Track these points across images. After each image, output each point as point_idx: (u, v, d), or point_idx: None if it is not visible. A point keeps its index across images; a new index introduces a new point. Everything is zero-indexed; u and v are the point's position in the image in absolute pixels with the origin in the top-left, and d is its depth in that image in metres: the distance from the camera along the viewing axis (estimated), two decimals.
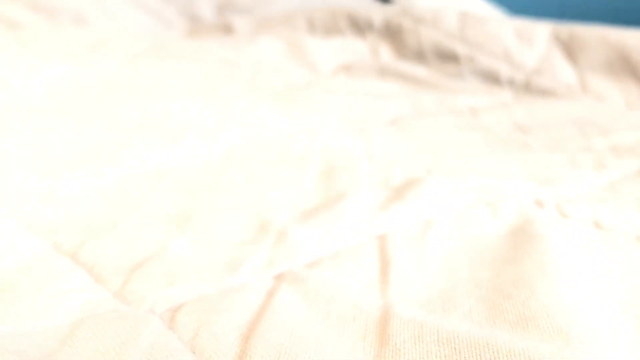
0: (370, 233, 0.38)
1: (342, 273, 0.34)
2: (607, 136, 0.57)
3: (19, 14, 0.98)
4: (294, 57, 0.83)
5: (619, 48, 0.72)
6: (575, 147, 0.55)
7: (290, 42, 0.85)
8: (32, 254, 0.36)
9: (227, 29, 0.94)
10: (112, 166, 0.49)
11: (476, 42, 0.78)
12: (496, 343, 0.28)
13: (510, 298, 0.31)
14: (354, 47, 0.85)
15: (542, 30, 0.77)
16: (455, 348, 0.28)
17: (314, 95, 0.71)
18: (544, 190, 0.45)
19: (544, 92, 0.71)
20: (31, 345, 0.28)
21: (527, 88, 0.73)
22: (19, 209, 0.42)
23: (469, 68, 0.77)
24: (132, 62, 0.81)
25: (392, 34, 0.84)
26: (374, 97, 0.71)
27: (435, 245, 0.37)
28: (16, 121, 0.60)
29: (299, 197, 0.44)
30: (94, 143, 0.54)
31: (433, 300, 0.32)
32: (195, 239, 0.38)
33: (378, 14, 0.87)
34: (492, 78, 0.75)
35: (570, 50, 0.74)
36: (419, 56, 0.81)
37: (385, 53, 0.83)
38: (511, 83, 0.74)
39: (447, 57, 0.79)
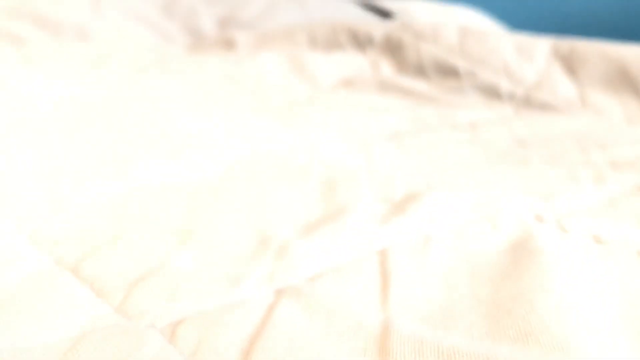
0: (370, 247, 0.38)
1: (342, 287, 0.34)
2: (606, 151, 0.58)
3: (23, 30, 0.99)
4: (295, 72, 0.84)
5: (618, 63, 0.72)
6: (574, 161, 0.56)
7: (292, 56, 0.86)
8: (34, 269, 0.36)
9: (228, 44, 0.95)
10: (116, 180, 0.50)
11: (476, 57, 0.79)
12: (496, 358, 0.28)
13: (510, 313, 0.31)
14: (355, 62, 0.85)
15: (542, 45, 0.78)
16: None
17: (314, 110, 0.72)
18: (544, 204, 0.45)
19: (544, 107, 0.72)
20: (31, 359, 0.28)
21: (527, 103, 0.73)
22: (23, 222, 0.42)
23: (469, 83, 0.77)
24: (135, 77, 0.81)
25: (393, 48, 0.85)
26: (374, 112, 0.72)
27: (435, 260, 0.37)
28: (21, 136, 0.60)
29: (300, 211, 0.44)
30: (98, 157, 0.55)
31: (433, 315, 0.32)
32: (197, 253, 0.38)
33: (378, 29, 0.87)
34: (492, 93, 0.76)
35: (570, 65, 0.75)
36: (419, 71, 0.81)
37: (386, 68, 0.84)
38: (511, 97, 0.74)
39: (447, 72, 0.79)
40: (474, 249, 0.38)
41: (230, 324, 0.31)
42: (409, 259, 0.37)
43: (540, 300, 0.31)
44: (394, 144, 0.60)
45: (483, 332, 0.30)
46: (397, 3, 1.18)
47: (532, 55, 0.77)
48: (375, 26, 0.89)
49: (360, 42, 0.87)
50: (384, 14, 1.14)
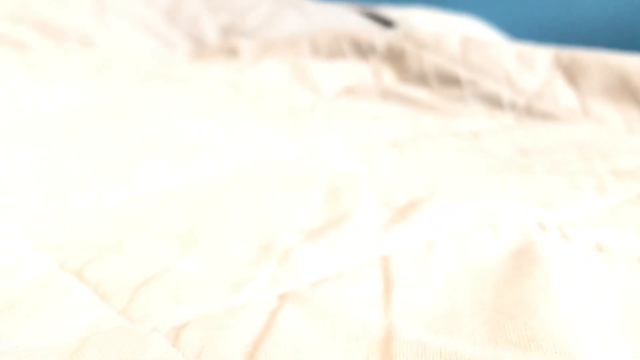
0: (373, 253, 0.38)
1: (345, 293, 0.34)
2: (608, 160, 0.58)
3: (27, 36, 0.99)
4: (297, 80, 0.84)
5: (619, 73, 0.72)
6: (576, 170, 0.56)
7: (294, 65, 0.86)
8: (38, 272, 0.37)
9: (231, 52, 0.95)
10: (120, 186, 0.50)
11: (478, 66, 0.79)
12: None
13: (512, 319, 0.31)
14: (357, 71, 0.86)
15: (543, 55, 0.78)
16: None
17: (317, 118, 0.72)
18: (546, 213, 0.45)
19: (546, 116, 0.72)
20: None
21: (529, 112, 0.73)
22: (27, 227, 0.43)
23: (470, 92, 0.78)
24: (138, 84, 0.82)
25: (395, 57, 0.85)
26: (376, 120, 0.72)
27: (437, 266, 0.37)
28: (25, 141, 0.60)
29: (302, 217, 0.44)
30: (102, 164, 0.55)
31: (436, 321, 0.32)
32: (201, 258, 0.38)
33: (381, 38, 0.88)
34: (493, 102, 0.76)
35: (571, 74, 0.75)
36: (421, 80, 0.82)
37: (388, 76, 0.84)
38: (513, 107, 0.74)
39: (449, 81, 0.80)
40: (477, 255, 0.38)
41: (233, 328, 0.31)
42: (412, 264, 0.37)
43: (542, 306, 0.32)
44: (396, 151, 0.61)
45: (486, 337, 0.30)
46: (398, 12, 1.19)
47: (534, 65, 0.77)
48: (377, 35, 0.89)
49: (363, 50, 0.88)
50: (386, 23, 1.15)
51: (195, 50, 1.02)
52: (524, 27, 1.24)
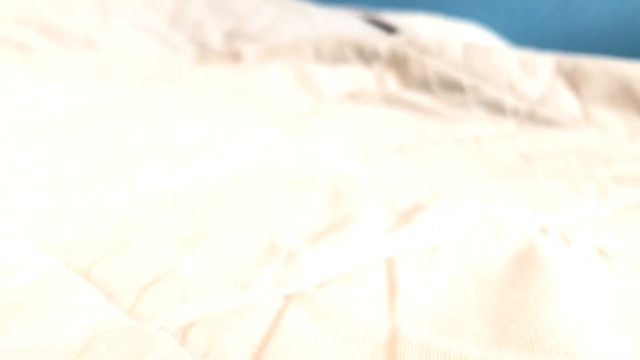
0: (377, 255, 0.39)
1: (350, 294, 0.35)
2: (609, 166, 0.58)
3: (30, 39, 1.00)
4: (301, 85, 0.84)
5: (621, 80, 0.73)
6: (578, 176, 0.56)
7: (298, 69, 0.87)
8: (45, 272, 0.37)
9: (235, 56, 0.96)
10: (124, 187, 0.50)
11: (481, 72, 0.80)
12: None
13: (515, 321, 0.31)
14: (360, 76, 0.86)
15: (546, 62, 0.78)
16: None
17: (320, 122, 0.72)
18: (548, 217, 0.45)
19: (548, 122, 0.72)
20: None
21: (531, 118, 0.74)
22: (32, 228, 0.43)
23: (473, 98, 0.78)
24: (141, 87, 0.82)
25: (398, 63, 0.86)
26: (379, 125, 0.72)
27: (441, 268, 0.37)
28: (27, 143, 0.61)
29: (307, 219, 0.44)
30: (106, 165, 0.55)
31: (440, 323, 0.33)
32: (206, 258, 0.38)
33: (384, 44, 0.88)
34: (496, 108, 0.76)
35: (573, 81, 0.75)
36: (424, 85, 0.82)
37: (391, 82, 0.84)
38: (515, 113, 0.75)
39: (451, 87, 0.80)
40: (480, 258, 0.39)
41: (240, 328, 0.31)
42: (416, 267, 0.37)
43: (545, 308, 0.32)
44: (399, 156, 0.61)
45: (489, 339, 0.31)
46: (401, 19, 1.20)
47: (536, 71, 0.78)
48: (380, 41, 0.90)
49: (366, 56, 0.88)
50: (389, 29, 1.16)
51: (199, 54, 1.03)
52: (526, 34, 1.25)
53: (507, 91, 0.77)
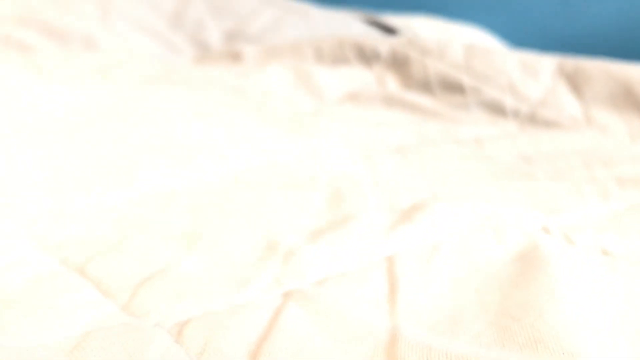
0: (378, 254, 0.38)
1: (350, 293, 0.34)
2: (611, 168, 0.58)
3: (31, 38, 1.00)
4: (301, 85, 0.84)
5: (622, 82, 0.72)
6: (579, 177, 0.56)
7: (298, 70, 0.86)
8: (41, 269, 0.36)
9: (235, 57, 0.95)
10: (122, 186, 0.50)
11: (482, 73, 0.79)
12: None
13: (518, 320, 0.31)
14: (361, 77, 0.86)
15: (547, 64, 0.78)
16: None
17: (320, 123, 0.72)
18: (550, 218, 0.45)
19: (549, 124, 0.72)
20: (39, 357, 0.28)
21: (532, 120, 0.73)
22: (31, 227, 0.42)
23: (474, 99, 0.78)
24: (141, 87, 0.82)
25: (399, 64, 0.85)
26: (379, 125, 0.72)
27: (442, 268, 0.37)
28: (26, 142, 0.60)
29: (306, 219, 0.44)
30: (105, 164, 0.55)
31: (441, 323, 0.32)
32: (204, 256, 0.38)
33: (385, 45, 0.88)
34: (497, 109, 0.76)
35: (575, 83, 0.75)
36: (425, 86, 0.82)
37: (392, 83, 0.84)
38: (516, 114, 0.74)
39: (452, 88, 0.80)
40: (481, 257, 0.38)
41: (237, 326, 0.30)
42: (417, 266, 0.37)
43: (549, 307, 0.31)
44: (400, 157, 0.61)
45: (491, 339, 0.30)
46: (401, 20, 1.19)
47: (538, 73, 0.77)
48: (381, 42, 0.89)
49: (367, 57, 0.88)
50: (389, 30, 1.15)
51: (199, 55, 1.02)
52: (527, 36, 1.24)
53: (508, 93, 0.76)
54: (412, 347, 0.30)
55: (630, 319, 0.33)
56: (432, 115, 0.76)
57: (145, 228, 0.43)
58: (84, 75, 0.87)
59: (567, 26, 1.25)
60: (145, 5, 1.08)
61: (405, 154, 0.62)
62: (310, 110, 0.77)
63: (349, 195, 0.49)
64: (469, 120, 0.75)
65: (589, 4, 1.23)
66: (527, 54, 0.82)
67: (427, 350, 0.30)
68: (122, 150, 0.59)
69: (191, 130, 0.66)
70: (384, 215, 0.44)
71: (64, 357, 0.28)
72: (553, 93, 0.75)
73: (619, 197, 0.51)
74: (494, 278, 0.36)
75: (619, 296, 0.35)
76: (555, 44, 1.13)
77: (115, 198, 0.48)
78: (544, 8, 1.26)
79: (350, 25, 1.11)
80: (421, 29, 1.16)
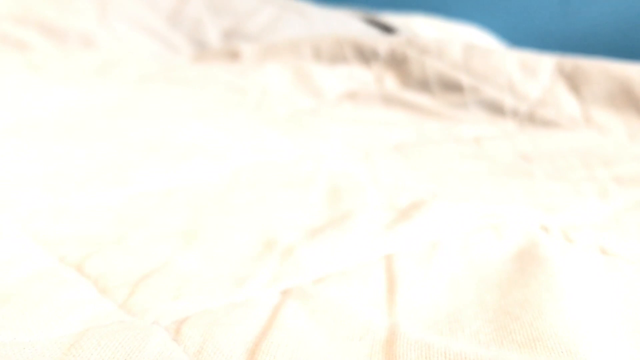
0: (377, 252, 0.38)
1: (349, 291, 0.34)
2: (610, 167, 0.58)
3: (29, 37, 0.99)
4: (299, 84, 0.84)
5: (621, 81, 0.72)
6: (578, 176, 0.56)
7: (297, 69, 0.86)
8: (38, 266, 0.36)
9: (233, 55, 0.95)
10: (120, 185, 0.49)
11: (480, 73, 0.79)
12: None
13: (517, 319, 0.31)
14: (359, 76, 0.86)
15: (546, 63, 0.78)
16: None
17: (319, 121, 0.72)
18: (549, 216, 0.45)
19: (548, 123, 0.72)
20: (35, 354, 0.28)
21: (531, 119, 0.73)
22: (28, 223, 0.42)
23: (473, 98, 0.78)
24: (140, 86, 0.81)
25: (397, 63, 0.85)
26: (378, 124, 0.72)
27: (441, 266, 0.37)
28: (25, 140, 0.60)
29: (305, 217, 0.44)
30: (103, 163, 0.55)
31: (440, 321, 0.32)
32: (202, 254, 0.38)
33: (383, 44, 0.88)
34: (495, 108, 0.76)
35: (574, 82, 0.75)
36: (424, 86, 0.82)
37: (390, 82, 0.84)
38: (515, 114, 0.74)
39: (451, 87, 0.80)
40: (481, 256, 0.38)
41: (235, 324, 0.30)
42: (416, 264, 0.37)
43: (547, 306, 0.31)
44: (399, 156, 0.61)
45: (490, 337, 0.30)
46: (400, 19, 1.19)
47: (536, 73, 0.77)
48: (380, 40, 0.89)
49: (365, 55, 0.88)
50: (388, 29, 1.15)
51: (197, 53, 1.02)
52: (526, 35, 1.24)
53: (507, 92, 0.76)
54: (410, 345, 0.30)
55: (629, 317, 0.33)
56: (430, 114, 0.76)
57: (143, 226, 0.43)
58: (82, 73, 0.86)
59: (566, 25, 1.25)
60: (144, 3, 1.08)
61: (404, 153, 0.62)
62: (308, 109, 0.77)
63: (348, 194, 0.49)
64: (468, 119, 0.74)
65: (587, 3, 1.23)
66: (526, 54, 0.82)
67: (426, 348, 0.30)
68: (120, 148, 0.59)
69: (189, 128, 0.66)
70: (382, 213, 0.44)
71: (61, 355, 0.28)
72: (552, 92, 0.74)
73: (617, 196, 0.51)
74: (493, 277, 0.36)
75: (617, 295, 0.35)
76: (554, 44, 1.13)
77: (113, 196, 0.48)
78: (542, 7, 1.26)
79: (349, 24, 1.11)
80: (420, 28, 1.16)
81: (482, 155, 0.62)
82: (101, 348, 0.28)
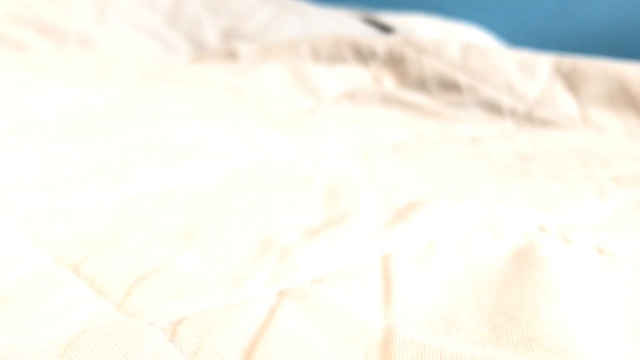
0: (374, 252, 0.38)
1: (345, 291, 0.34)
2: (608, 166, 0.58)
3: (27, 37, 0.99)
4: (298, 84, 0.84)
5: (619, 81, 0.72)
6: (576, 176, 0.56)
7: (295, 69, 0.86)
8: (35, 267, 0.36)
9: (231, 55, 0.95)
10: (118, 185, 0.49)
11: (478, 72, 0.79)
12: None
13: (513, 319, 0.31)
14: (357, 76, 0.86)
15: (544, 62, 0.78)
16: None
17: (317, 121, 0.72)
18: (547, 216, 0.45)
19: (546, 123, 0.72)
20: (31, 356, 0.28)
21: (529, 119, 0.73)
22: (24, 223, 0.42)
23: (470, 98, 0.78)
24: (137, 85, 0.82)
25: (395, 63, 0.85)
26: (376, 124, 0.72)
27: (438, 266, 0.37)
28: (24, 141, 0.60)
29: (302, 217, 0.44)
30: (100, 163, 0.55)
31: (436, 322, 0.32)
32: (199, 255, 0.38)
33: (381, 44, 0.88)
34: (493, 108, 0.76)
35: (571, 82, 0.75)
36: (422, 85, 0.82)
37: (388, 81, 0.84)
38: (513, 113, 0.74)
39: (449, 87, 0.80)
40: (477, 256, 0.38)
41: (232, 325, 0.30)
42: (412, 265, 0.37)
43: (543, 307, 0.31)
44: (397, 155, 0.61)
45: (486, 338, 0.30)
46: (398, 19, 1.19)
47: (534, 72, 0.77)
48: (378, 40, 0.89)
49: (363, 55, 0.88)
50: (386, 29, 1.15)
51: (196, 53, 1.02)
52: (524, 35, 1.24)
53: (505, 92, 0.76)
54: (406, 346, 0.30)
55: (625, 317, 0.33)
56: (428, 114, 0.76)
57: (140, 226, 0.43)
58: (80, 74, 0.86)
59: (564, 25, 1.25)
60: (142, 3, 1.08)
61: (402, 153, 0.62)
62: (306, 109, 0.77)
63: (346, 194, 0.49)
64: (466, 119, 0.75)
65: (585, 3, 1.23)
66: (524, 53, 0.82)
67: (422, 348, 0.30)
68: (119, 148, 0.59)
69: (187, 128, 0.66)
70: (380, 213, 0.44)
71: (58, 356, 0.28)
72: (550, 92, 0.74)
73: (615, 196, 0.51)
74: (490, 277, 0.36)
75: (614, 295, 0.35)
76: (552, 43, 1.13)
77: (111, 196, 0.48)
78: (541, 7, 1.26)
79: (347, 23, 1.11)
80: (418, 28, 1.16)
81: (480, 155, 0.62)
82: (97, 349, 0.28)
